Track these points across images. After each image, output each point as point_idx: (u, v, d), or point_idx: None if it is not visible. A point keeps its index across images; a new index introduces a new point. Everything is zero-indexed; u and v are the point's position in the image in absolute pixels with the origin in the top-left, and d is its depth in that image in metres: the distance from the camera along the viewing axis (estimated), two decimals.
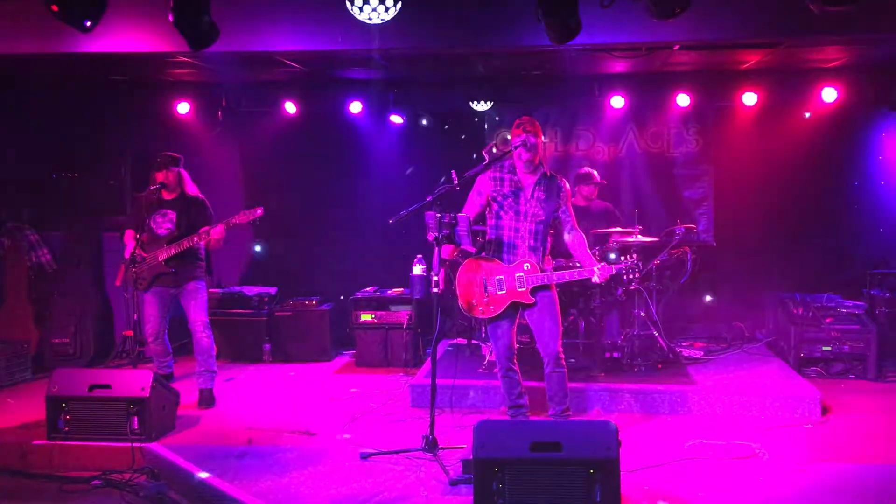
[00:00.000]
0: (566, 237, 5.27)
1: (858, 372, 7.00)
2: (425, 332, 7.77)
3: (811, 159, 7.97)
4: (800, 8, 4.60)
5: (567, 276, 5.15)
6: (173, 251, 6.21)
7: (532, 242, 5.14)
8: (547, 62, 7.26)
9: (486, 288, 5.20)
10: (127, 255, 6.27)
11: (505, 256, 5.19)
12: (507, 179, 5.21)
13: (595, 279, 5.03)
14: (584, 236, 5.28)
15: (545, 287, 5.17)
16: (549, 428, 4.12)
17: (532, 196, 5.15)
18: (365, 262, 8.84)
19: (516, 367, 5.34)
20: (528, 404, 5.40)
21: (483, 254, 5.27)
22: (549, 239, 5.27)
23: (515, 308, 5.22)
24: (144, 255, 6.23)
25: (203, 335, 6.39)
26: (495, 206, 5.22)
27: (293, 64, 7.05)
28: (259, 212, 6.10)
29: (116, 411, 5.22)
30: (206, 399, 6.39)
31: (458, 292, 5.36)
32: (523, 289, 5.10)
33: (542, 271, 5.11)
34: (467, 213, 5.31)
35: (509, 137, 8.56)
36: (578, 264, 5.29)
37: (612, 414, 6.02)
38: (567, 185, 5.29)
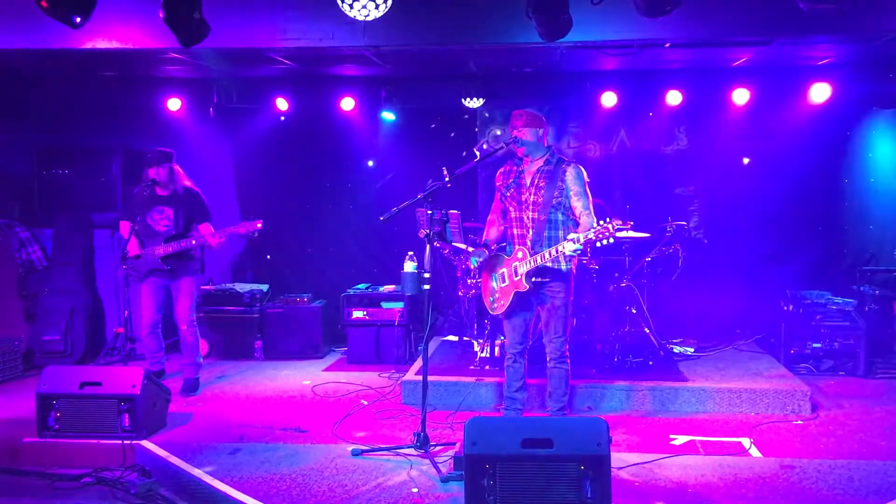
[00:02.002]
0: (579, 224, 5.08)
1: (848, 368, 7.05)
2: (417, 328, 7.77)
3: (801, 156, 8.00)
4: (789, 6, 4.63)
5: (547, 255, 4.93)
6: (171, 250, 6.24)
7: (538, 232, 5.07)
8: (538, 59, 7.27)
9: (495, 283, 5.24)
10: (128, 249, 6.33)
11: (514, 249, 5.20)
12: (513, 171, 5.24)
13: (566, 251, 4.80)
14: (589, 223, 4.99)
15: (557, 282, 5.12)
16: (540, 424, 4.12)
17: (532, 184, 5.13)
18: (356, 258, 8.85)
19: (523, 361, 5.33)
20: (524, 401, 5.41)
21: (504, 245, 5.29)
22: (566, 228, 5.07)
23: (526, 300, 5.20)
24: (141, 250, 6.27)
25: (188, 332, 6.48)
26: (505, 200, 5.23)
27: (284, 60, 7.04)
28: (258, 224, 6.19)
29: (107, 408, 5.20)
30: (191, 387, 6.48)
31: (482, 293, 5.46)
32: (517, 277, 5.10)
33: (536, 262, 5.01)
34: (495, 213, 5.34)
35: (499, 133, 8.64)
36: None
37: (602, 411, 6.04)
38: (579, 171, 5.10)
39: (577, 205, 5.06)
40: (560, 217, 5.10)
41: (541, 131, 5.16)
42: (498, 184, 5.31)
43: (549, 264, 5.03)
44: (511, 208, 5.19)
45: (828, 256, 8.15)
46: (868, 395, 6.45)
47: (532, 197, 5.10)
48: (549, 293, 5.14)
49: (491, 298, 5.34)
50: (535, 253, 5.00)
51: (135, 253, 6.30)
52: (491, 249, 5.34)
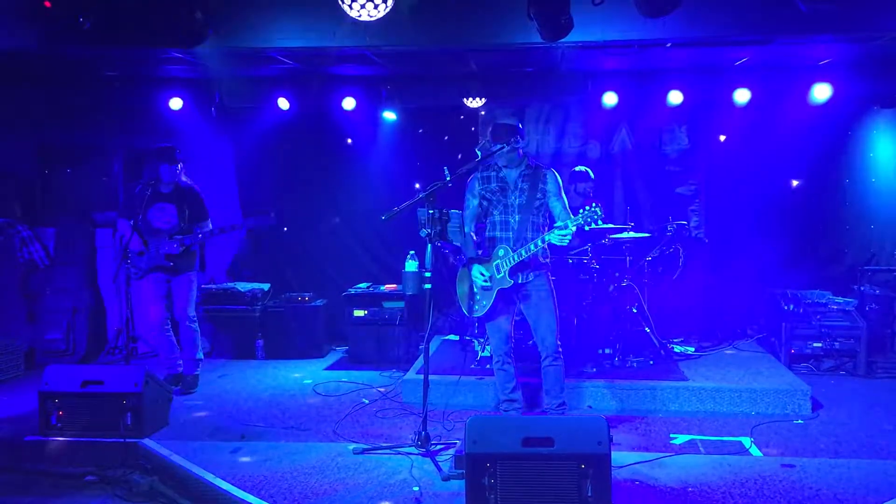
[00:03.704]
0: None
1: (849, 368, 7.06)
2: (418, 328, 7.78)
3: (802, 156, 8.01)
4: (789, 5, 4.64)
5: (532, 248, 5.03)
6: (176, 249, 6.25)
7: (522, 233, 5.16)
8: (539, 59, 7.28)
9: (476, 286, 5.26)
10: (131, 246, 6.31)
11: (495, 250, 5.23)
12: (493, 177, 5.29)
13: (556, 240, 4.90)
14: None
15: (538, 278, 5.20)
16: (540, 423, 4.13)
17: (516, 188, 5.21)
18: (358, 257, 8.86)
19: (511, 362, 5.40)
20: (522, 400, 5.45)
21: (479, 252, 5.31)
22: (543, 230, 5.22)
23: (508, 300, 5.25)
24: (142, 248, 6.28)
25: (189, 328, 6.49)
26: (486, 204, 5.28)
27: (286, 60, 7.05)
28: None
29: (109, 407, 5.22)
30: (190, 383, 6.50)
31: (457, 297, 5.48)
32: (500, 275, 5.16)
33: (520, 256, 5.09)
34: (466, 216, 5.37)
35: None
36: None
37: (603, 410, 6.06)
38: (556, 175, 5.28)
39: (556, 205, 5.23)
40: (539, 220, 5.24)
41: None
42: (477, 188, 5.32)
43: (540, 259, 5.16)
44: (496, 211, 5.25)
45: (828, 256, 8.15)
46: (868, 395, 6.46)
47: (517, 200, 5.19)
48: (531, 288, 5.22)
49: (470, 302, 5.37)
50: (517, 250, 5.10)
51: (138, 249, 6.32)
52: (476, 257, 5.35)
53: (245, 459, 4.96)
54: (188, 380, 6.59)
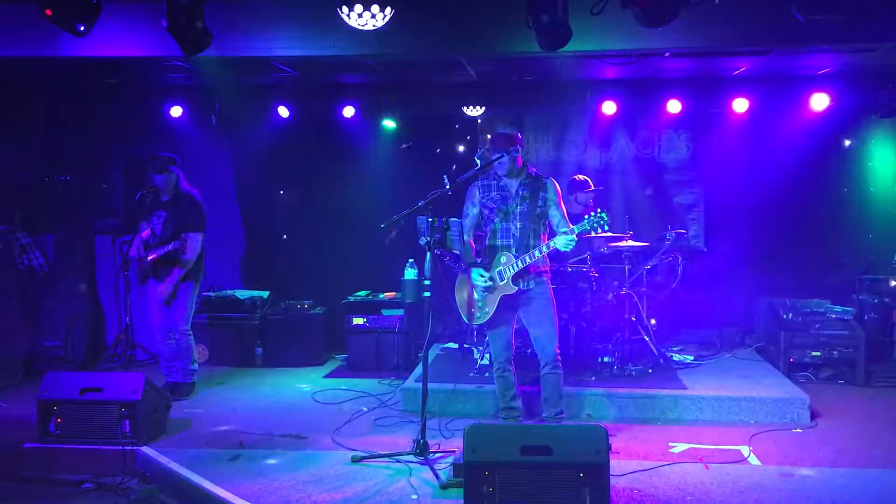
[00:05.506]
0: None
1: (847, 377, 7.06)
2: (417, 336, 7.77)
3: (801, 165, 8.02)
4: (787, 16, 4.66)
5: (537, 254, 5.08)
6: (158, 254, 6.31)
7: (523, 240, 5.19)
8: (538, 68, 7.31)
9: (477, 293, 5.27)
10: (131, 252, 6.45)
11: (496, 257, 5.25)
12: (493, 185, 5.33)
13: (561, 246, 4.99)
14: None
15: (538, 286, 5.23)
16: (539, 431, 4.14)
17: (517, 196, 5.25)
18: (357, 265, 8.85)
19: (512, 369, 5.41)
20: (521, 407, 5.45)
21: (479, 260, 5.33)
22: (543, 238, 5.26)
23: (510, 308, 5.26)
24: (143, 253, 6.35)
25: (182, 337, 6.51)
26: (486, 212, 5.31)
27: (286, 69, 7.07)
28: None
29: (108, 414, 5.22)
30: (185, 391, 6.48)
31: (457, 305, 5.49)
32: (503, 281, 5.18)
33: (524, 262, 5.12)
34: (466, 224, 5.40)
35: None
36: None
37: (602, 418, 6.05)
38: (555, 184, 5.33)
39: (556, 214, 5.26)
40: (540, 228, 5.28)
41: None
42: (478, 197, 5.36)
43: (541, 266, 5.21)
44: (497, 219, 5.27)
45: (827, 265, 8.15)
46: (867, 404, 6.46)
47: (518, 208, 5.23)
48: (532, 296, 5.24)
49: (471, 309, 5.39)
50: (519, 257, 5.12)
51: (135, 255, 6.40)
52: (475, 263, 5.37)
53: (243, 467, 4.96)
54: (183, 388, 6.59)
